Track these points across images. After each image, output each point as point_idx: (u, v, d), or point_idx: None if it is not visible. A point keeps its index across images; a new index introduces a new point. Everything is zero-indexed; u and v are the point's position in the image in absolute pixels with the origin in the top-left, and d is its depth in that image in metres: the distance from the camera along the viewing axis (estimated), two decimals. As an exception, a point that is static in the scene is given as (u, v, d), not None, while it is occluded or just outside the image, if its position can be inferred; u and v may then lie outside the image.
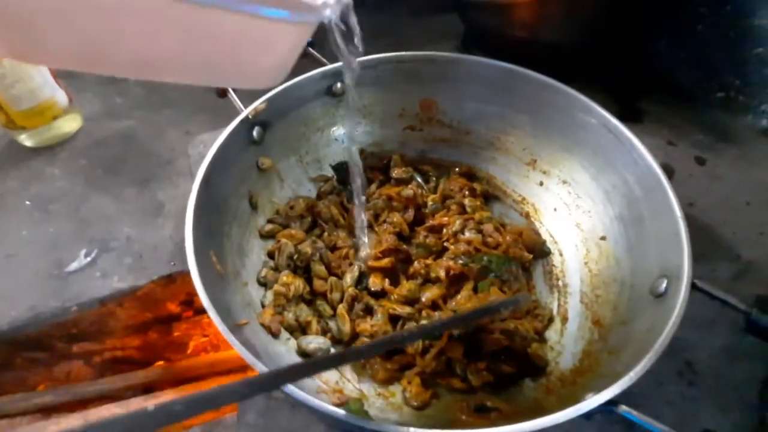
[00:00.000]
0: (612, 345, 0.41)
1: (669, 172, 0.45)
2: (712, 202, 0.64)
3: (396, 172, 0.60)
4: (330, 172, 0.61)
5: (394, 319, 0.48)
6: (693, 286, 0.37)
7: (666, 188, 0.43)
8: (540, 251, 0.54)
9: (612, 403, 0.31)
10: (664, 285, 0.40)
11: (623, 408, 0.31)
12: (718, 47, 0.74)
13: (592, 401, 0.30)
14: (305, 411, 0.44)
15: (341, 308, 0.49)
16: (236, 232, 0.50)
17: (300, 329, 0.48)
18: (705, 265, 0.56)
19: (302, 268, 0.52)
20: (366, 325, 0.47)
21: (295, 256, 0.52)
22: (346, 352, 0.32)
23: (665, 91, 0.79)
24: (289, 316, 0.48)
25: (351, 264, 0.52)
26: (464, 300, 0.47)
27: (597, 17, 0.76)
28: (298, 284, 0.50)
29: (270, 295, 0.49)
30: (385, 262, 0.52)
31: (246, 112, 0.51)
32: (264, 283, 0.51)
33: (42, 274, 0.58)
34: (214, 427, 0.47)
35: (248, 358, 0.34)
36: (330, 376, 0.44)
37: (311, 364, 0.30)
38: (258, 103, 0.52)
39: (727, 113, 0.74)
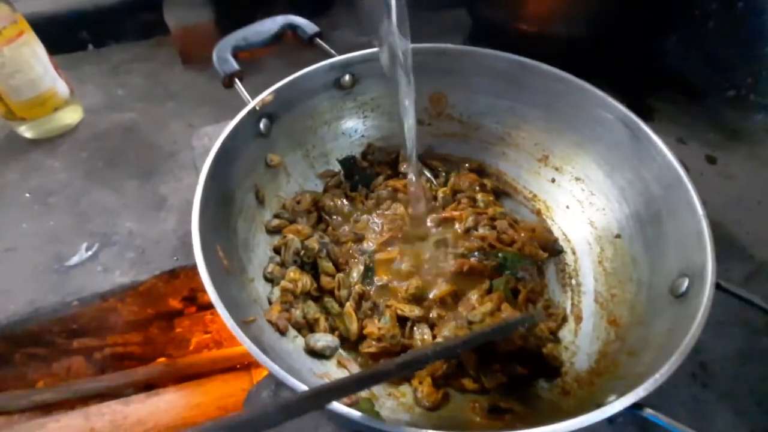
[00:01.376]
0: (630, 346, 0.40)
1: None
2: (723, 201, 0.63)
3: (404, 167, 0.59)
4: (336, 167, 0.60)
5: (402, 320, 0.47)
6: (716, 286, 0.36)
7: (687, 186, 0.41)
8: (552, 249, 0.53)
9: (637, 406, 0.30)
10: (685, 285, 0.38)
11: (649, 411, 0.30)
12: (730, 45, 0.73)
13: (619, 404, 0.29)
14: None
15: (348, 307, 0.48)
16: (242, 226, 0.49)
17: (308, 327, 0.47)
18: (718, 265, 0.55)
19: (309, 264, 0.51)
20: (373, 328, 0.46)
21: (302, 252, 0.50)
22: (369, 373, 0.31)
23: (675, 88, 0.78)
24: (297, 313, 0.47)
25: (355, 258, 0.51)
26: (478, 302, 0.45)
27: (607, 12, 0.74)
28: (305, 281, 0.48)
29: (277, 291, 0.48)
30: (392, 254, 0.51)
31: (253, 103, 0.50)
32: (271, 279, 0.49)
33: (42, 268, 0.56)
34: (218, 426, 0.46)
35: (258, 355, 0.33)
36: (339, 374, 0.43)
37: (335, 389, 0.29)
38: (265, 94, 0.51)
39: (738, 112, 0.73)
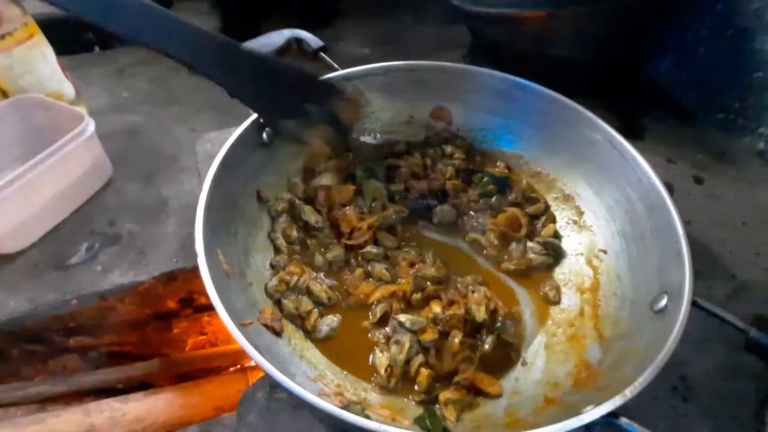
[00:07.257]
0: (613, 358, 0.42)
1: (669, 190, 0.46)
2: (709, 221, 0.65)
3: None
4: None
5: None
6: (693, 304, 0.38)
7: (669, 207, 0.43)
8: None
9: (613, 415, 0.32)
10: (664, 301, 0.40)
11: (624, 420, 0.31)
12: (719, 70, 0.75)
13: (594, 412, 0.31)
14: (307, 413, 0.44)
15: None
16: (242, 231, 0.51)
17: (299, 318, 0.49)
18: (701, 283, 0.57)
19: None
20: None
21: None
22: None
23: (666, 109, 0.80)
24: (290, 305, 0.48)
25: None
26: None
27: (603, 35, 0.77)
28: (304, 278, 0.50)
29: (275, 280, 0.50)
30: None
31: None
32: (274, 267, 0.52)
33: (42, 266, 0.57)
34: (212, 427, 0.47)
35: (256, 357, 0.34)
36: (332, 378, 0.45)
37: None
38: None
39: (726, 134, 0.76)
